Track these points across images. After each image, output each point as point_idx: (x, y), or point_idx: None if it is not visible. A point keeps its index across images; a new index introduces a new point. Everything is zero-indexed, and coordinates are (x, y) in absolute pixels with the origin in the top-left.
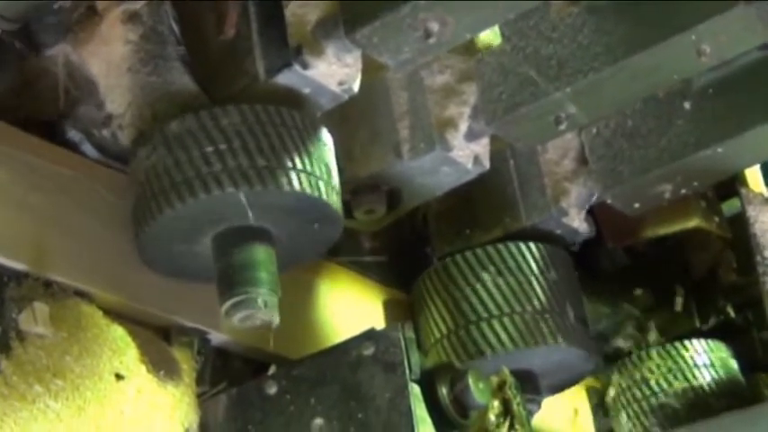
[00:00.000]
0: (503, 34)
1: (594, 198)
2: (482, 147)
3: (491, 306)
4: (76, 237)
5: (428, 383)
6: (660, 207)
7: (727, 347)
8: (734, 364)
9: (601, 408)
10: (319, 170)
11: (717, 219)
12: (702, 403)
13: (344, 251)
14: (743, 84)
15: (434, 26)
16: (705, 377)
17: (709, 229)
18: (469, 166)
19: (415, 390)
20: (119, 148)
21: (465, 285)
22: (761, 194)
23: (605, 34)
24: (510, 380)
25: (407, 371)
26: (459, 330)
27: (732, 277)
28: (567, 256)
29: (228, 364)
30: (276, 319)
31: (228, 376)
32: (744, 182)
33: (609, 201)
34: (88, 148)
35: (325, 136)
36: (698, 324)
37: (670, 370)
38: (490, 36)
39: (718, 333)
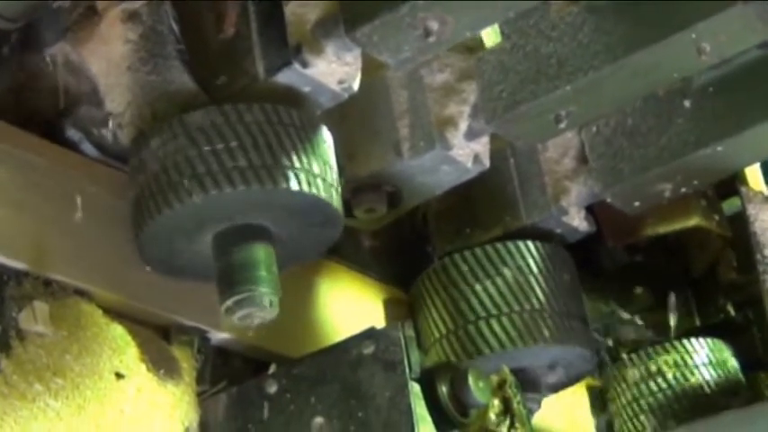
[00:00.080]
0: (503, 33)
1: (595, 197)
2: (482, 145)
3: (491, 305)
4: (76, 236)
5: (428, 382)
6: (660, 206)
7: (727, 346)
8: (734, 362)
9: (601, 406)
10: (319, 169)
11: (717, 217)
12: (702, 402)
13: (345, 250)
14: (743, 82)
15: (434, 25)
16: (705, 376)
17: (709, 228)
18: (469, 164)
19: (416, 388)
20: (118, 148)
21: (465, 284)
22: (761, 193)
23: (605, 33)
24: (510, 379)
25: (407, 369)
26: (459, 329)
27: (732, 276)
28: (567, 255)
29: (228, 362)
30: (274, 314)
31: (228, 375)
32: (744, 180)
33: (609, 199)
34: (88, 148)
35: (325, 135)
36: (698, 322)
37: (670, 368)
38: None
39: (719, 331)
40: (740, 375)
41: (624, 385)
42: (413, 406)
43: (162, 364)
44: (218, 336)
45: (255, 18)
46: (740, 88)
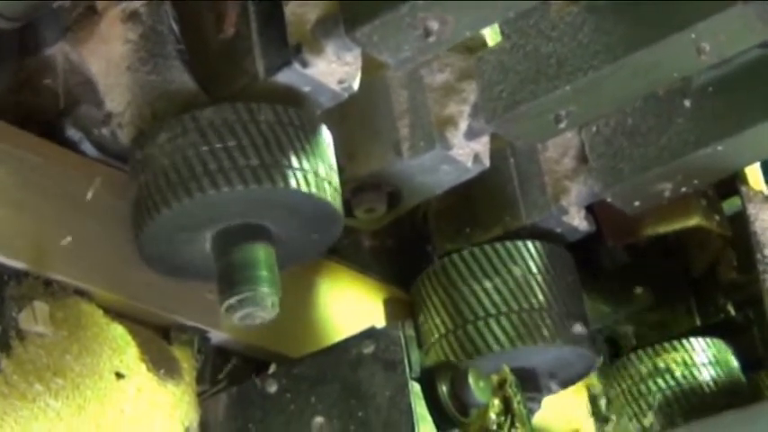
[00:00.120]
0: (503, 32)
1: (595, 196)
2: (482, 145)
3: (491, 305)
4: (76, 235)
5: (428, 382)
6: (660, 205)
7: (727, 346)
8: (734, 362)
9: (601, 406)
10: (319, 169)
11: (717, 217)
12: (703, 401)
13: (345, 250)
14: (743, 82)
15: (434, 25)
16: (705, 375)
17: (709, 228)
18: (469, 164)
19: (416, 388)
20: (118, 147)
21: (465, 284)
22: (761, 192)
23: (605, 33)
24: (510, 378)
25: (408, 369)
26: (459, 329)
27: (732, 275)
28: (567, 255)
29: (229, 362)
30: (275, 314)
31: (229, 375)
32: (744, 180)
33: (609, 199)
34: (88, 147)
35: (325, 134)
36: (698, 322)
37: (670, 368)
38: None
39: (719, 331)
40: (740, 375)
41: (624, 385)
42: (413, 405)
43: (162, 364)
44: (219, 335)
45: (255, 18)
46: (740, 88)
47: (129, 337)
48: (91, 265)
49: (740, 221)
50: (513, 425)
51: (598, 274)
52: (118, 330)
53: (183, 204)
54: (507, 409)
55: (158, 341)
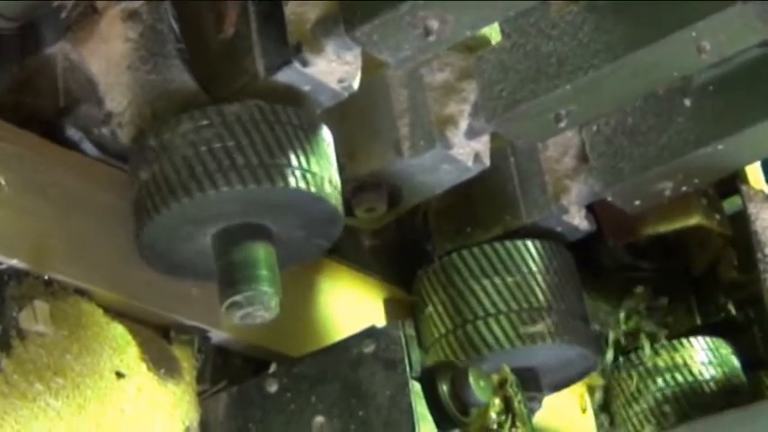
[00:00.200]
0: (503, 31)
1: (595, 195)
2: (482, 144)
3: (492, 304)
4: (76, 235)
5: (429, 381)
6: (661, 204)
7: (728, 345)
8: (735, 361)
9: (602, 405)
10: (320, 168)
11: (718, 216)
12: (703, 401)
13: (345, 249)
14: (743, 81)
15: (434, 24)
16: (706, 374)
17: (709, 227)
18: (470, 163)
19: (416, 387)
20: (119, 147)
21: (466, 283)
22: (762, 192)
23: (605, 32)
24: (511, 378)
25: (408, 368)
26: (460, 328)
27: (733, 275)
28: (567, 254)
29: (229, 362)
30: (275, 313)
31: (229, 374)
32: (745, 179)
33: (609, 198)
34: (88, 147)
35: (326, 134)
36: (699, 321)
37: (671, 367)
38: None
39: (719, 330)
40: (741, 374)
41: (625, 384)
42: (413, 405)
43: (162, 364)
44: (219, 335)
45: (255, 17)
46: (740, 87)
47: (129, 337)
48: (91, 265)
49: (741, 221)
50: (513, 424)
51: (598, 273)
52: (118, 330)
53: (182, 204)
54: (508, 408)
55: (158, 340)
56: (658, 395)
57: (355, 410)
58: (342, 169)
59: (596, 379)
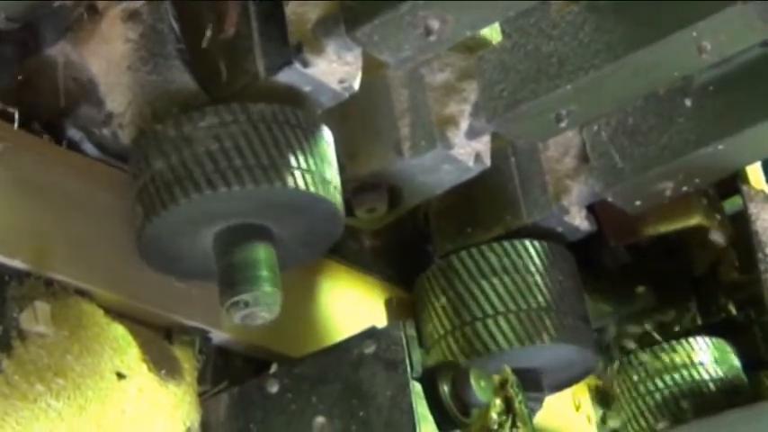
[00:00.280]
0: (503, 31)
1: (596, 196)
2: (483, 144)
3: (492, 304)
4: (77, 236)
5: (430, 381)
6: (661, 205)
7: (728, 345)
8: (736, 361)
9: (603, 405)
10: (320, 168)
11: (718, 216)
12: (704, 401)
13: (346, 250)
14: (743, 81)
15: (434, 24)
16: (707, 375)
17: (710, 227)
18: (470, 163)
19: (417, 388)
20: (119, 147)
21: (467, 283)
22: (762, 192)
23: (606, 32)
24: (512, 378)
25: (409, 369)
26: (460, 328)
27: (734, 275)
28: (568, 254)
29: (230, 362)
30: (276, 314)
31: (230, 375)
32: (745, 179)
33: (610, 198)
34: (88, 147)
35: (326, 134)
36: (700, 322)
37: (671, 368)
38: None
39: (720, 331)
40: (742, 374)
41: (626, 385)
42: (414, 405)
43: (163, 365)
44: (220, 336)
45: (256, 17)
46: (741, 87)
47: (130, 338)
48: (92, 266)
49: (741, 221)
50: (514, 425)
51: (599, 273)
52: (119, 330)
53: (185, 203)
54: (509, 408)
55: (159, 341)
56: (659, 396)
57: (356, 411)
58: (342, 170)
59: (597, 379)
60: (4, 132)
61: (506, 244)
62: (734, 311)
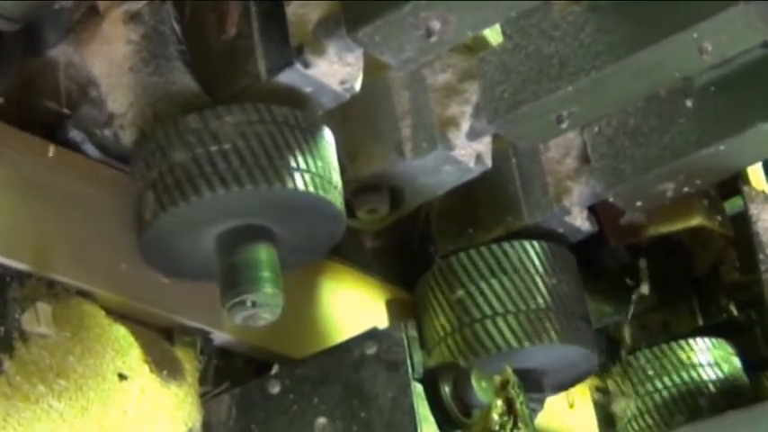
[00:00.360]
0: (505, 33)
1: (597, 196)
2: (484, 145)
3: (493, 305)
4: (79, 237)
5: (431, 382)
6: (662, 205)
7: (730, 346)
8: (737, 362)
9: (603, 405)
10: (321, 169)
11: (719, 217)
12: (705, 401)
13: (347, 251)
14: (744, 81)
15: (436, 25)
16: (708, 376)
17: (711, 228)
18: (472, 164)
19: (418, 389)
20: (120, 148)
21: (468, 284)
22: (763, 193)
23: (607, 33)
24: (513, 379)
25: (410, 370)
26: (461, 329)
27: (735, 275)
28: (569, 255)
29: (231, 363)
30: (278, 315)
31: (231, 376)
32: (746, 180)
33: (611, 199)
34: (90, 148)
35: (327, 135)
36: (701, 322)
37: (673, 368)
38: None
39: (721, 331)
40: (743, 375)
41: (627, 385)
42: (415, 406)
43: (165, 365)
44: (221, 337)
45: (257, 18)
46: (742, 87)
47: (131, 339)
48: (93, 267)
49: (742, 222)
50: (515, 425)
51: (600, 274)
52: (120, 331)
53: (186, 205)
54: (510, 409)
55: (161, 342)
56: (660, 396)
57: (357, 412)
58: (344, 171)
59: (598, 379)
60: (6, 133)
61: (507, 245)
62: (735, 312)
